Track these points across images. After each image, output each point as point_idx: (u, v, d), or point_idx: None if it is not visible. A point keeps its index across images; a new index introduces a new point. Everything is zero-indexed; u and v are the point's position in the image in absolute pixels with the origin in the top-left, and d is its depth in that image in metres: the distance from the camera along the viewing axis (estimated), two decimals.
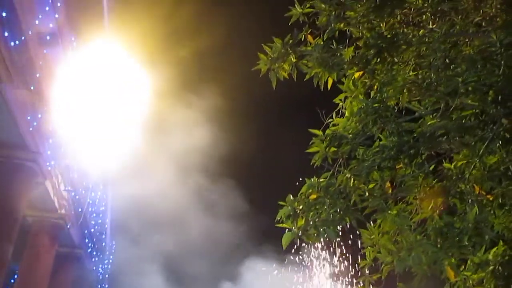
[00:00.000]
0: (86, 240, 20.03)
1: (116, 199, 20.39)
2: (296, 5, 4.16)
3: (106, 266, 22.66)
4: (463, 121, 3.58)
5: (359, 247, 4.16)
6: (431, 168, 3.77)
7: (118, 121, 13.75)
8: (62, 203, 16.78)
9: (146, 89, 13.72)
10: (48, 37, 10.63)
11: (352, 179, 3.32)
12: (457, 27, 4.27)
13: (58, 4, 11.13)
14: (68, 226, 17.28)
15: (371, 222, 3.77)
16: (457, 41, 4.27)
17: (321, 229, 3.35)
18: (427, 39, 3.90)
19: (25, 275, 16.19)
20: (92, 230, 19.88)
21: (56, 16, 10.88)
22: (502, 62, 3.71)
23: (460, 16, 4.32)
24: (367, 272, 4.01)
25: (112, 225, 21.71)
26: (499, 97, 3.49)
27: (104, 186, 18.59)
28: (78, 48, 11.90)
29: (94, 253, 20.95)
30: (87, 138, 13.70)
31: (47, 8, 10.78)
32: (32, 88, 11.19)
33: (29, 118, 11.63)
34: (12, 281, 16.78)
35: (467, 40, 4.33)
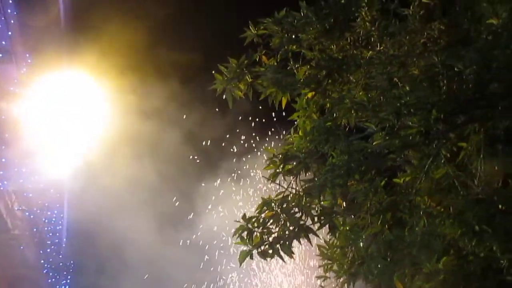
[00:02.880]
0: (42, 261, 19.35)
1: (74, 218, 19.76)
2: (250, 26, 4.27)
3: (63, 287, 21.95)
4: (410, 138, 3.75)
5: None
6: (382, 184, 3.93)
7: (75, 139, 13.45)
8: (16, 223, 16.18)
9: (103, 109, 13.52)
10: (0, 55, 10.33)
11: (304, 197, 3.42)
12: (405, 48, 4.48)
13: (12, 21, 10.84)
14: (22, 247, 16.68)
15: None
16: (405, 62, 4.47)
17: (276, 246, 3.42)
18: (375, 60, 4.09)
19: None
20: (48, 250, 19.24)
21: (10, 33, 10.61)
22: (445, 82, 3.94)
23: (407, 37, 4.52)
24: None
25: (71, 244, 21.03)
26: (442, 115, 3.69)
27: (60, 205, 18.03)
28: (34, 66, 11.59)
29: (50, 274, 20.25)
30: (42, 157, 13.29)
31: None
32: None
33: None
34: None
35: (415, 60, 4.55)
